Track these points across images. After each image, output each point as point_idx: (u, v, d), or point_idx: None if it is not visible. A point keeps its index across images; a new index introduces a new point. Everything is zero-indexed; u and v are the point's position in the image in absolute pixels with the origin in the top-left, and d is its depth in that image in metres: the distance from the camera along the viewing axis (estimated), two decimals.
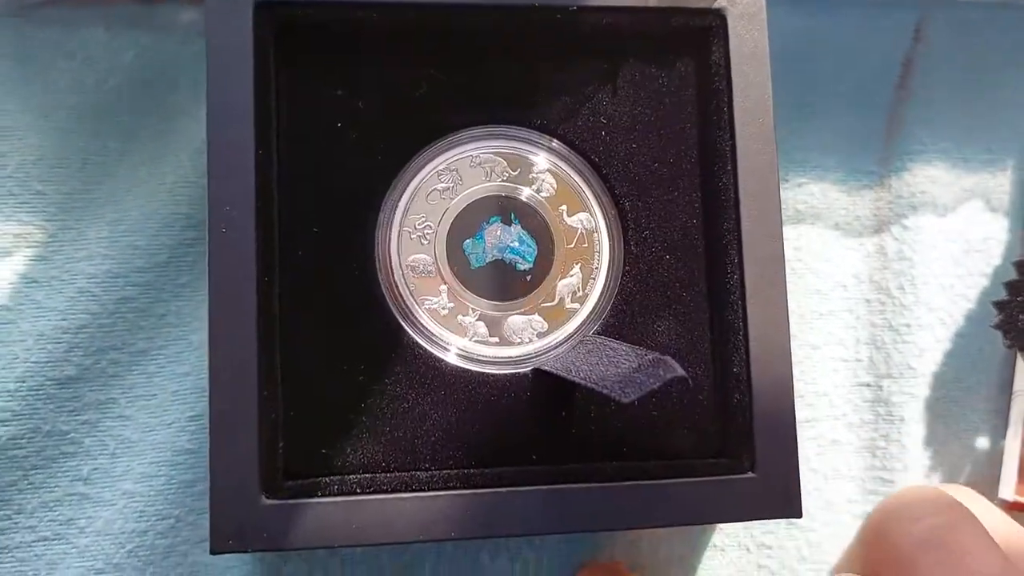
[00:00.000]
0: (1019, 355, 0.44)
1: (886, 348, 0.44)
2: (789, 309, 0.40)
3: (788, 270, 0.43)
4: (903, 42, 0.46)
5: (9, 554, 0.38)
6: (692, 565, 0.42)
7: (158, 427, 0.39)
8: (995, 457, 0.44)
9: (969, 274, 0.45)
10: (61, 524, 0.39)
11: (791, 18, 0.45)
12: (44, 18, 0.41)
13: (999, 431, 0.44)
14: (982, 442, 0.45)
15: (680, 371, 0.31)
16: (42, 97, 0.41)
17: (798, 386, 0.43)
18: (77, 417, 0.39)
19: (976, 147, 0.46)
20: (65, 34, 0.41)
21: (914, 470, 0.44)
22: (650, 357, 0.32)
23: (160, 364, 0.40)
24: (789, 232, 0.44)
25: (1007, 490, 0.43)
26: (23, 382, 0.39)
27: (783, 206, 0.43)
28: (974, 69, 0.46)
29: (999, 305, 0.43)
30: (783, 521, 0.42)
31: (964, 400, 0.45)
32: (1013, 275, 0.43)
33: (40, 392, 0.39)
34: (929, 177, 0.45)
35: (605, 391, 0.32)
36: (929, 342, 0.45)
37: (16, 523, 0.38)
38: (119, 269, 0.40)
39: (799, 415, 0.42)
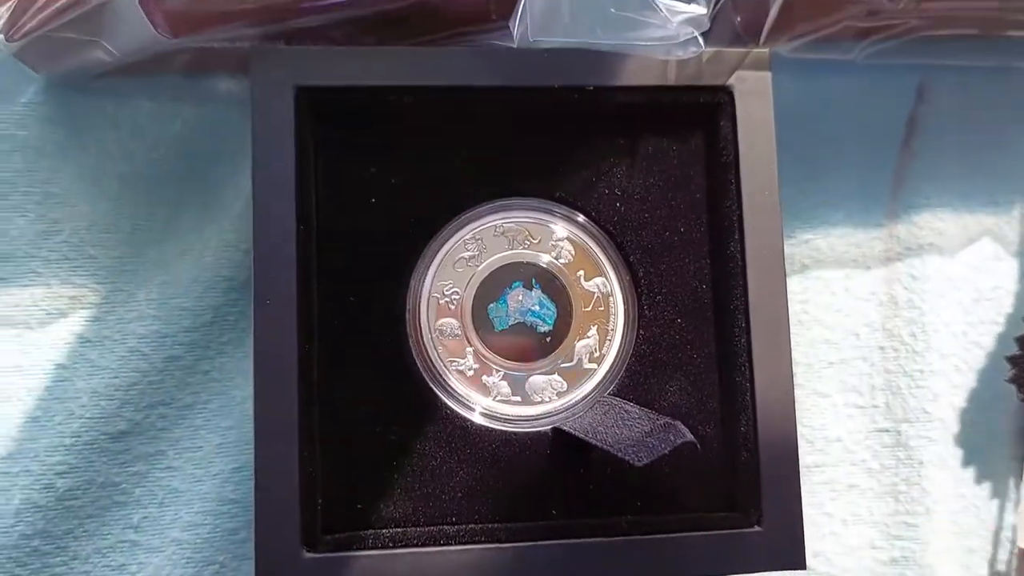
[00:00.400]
0: None
1: (902, 393, 0.46)
2: (795, 360, 0.42)
3: (794, 322, 0.45)
4: (906, 103, 0.48)
5: None
6: None
7: (204, 478, 0.42)
8: (1017, 500, 0.46)
9: (981, 322, 0.47)
10: (114, 570, 0.41)
11: (800, 82, 0.47)
12: (96, 89, 0.43)
13: (1017, 472, 0.46)
14: (1002, 487, 0.46)
15: (689, 436, 0.34)
16: (94, 165, 0.43)
17: (805, 432, 0.45)
18: (128, 469, 0.41)
19: (981, 199, 0.48)
20: (115, 105, 0.43)
21: (937, 515, 0.45)
22: (662, 422, 0.35)
23: (205, 418, 0.42)
24: (795, 286, 0.46)
25: (1022, 538, 0.45)
26: (78, 436, 0.41)
27: (790, 261, 0.46)
28: (976, 126, 0.48)
29: (1012, 360, 0.45)
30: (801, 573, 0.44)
31: (984, 445, 0.46)
32: None
33: (94, 446, 0.41)
34: (935, 229, 0.47)
35: (619, 454, 0.34)
36: (944, 387, 0.46)
37: (72, 568, 0.41)
38: (167, 329, 0.42)
39: (809, 460, 0.44)
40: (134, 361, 0.42)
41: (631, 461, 0.34)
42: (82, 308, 0.42)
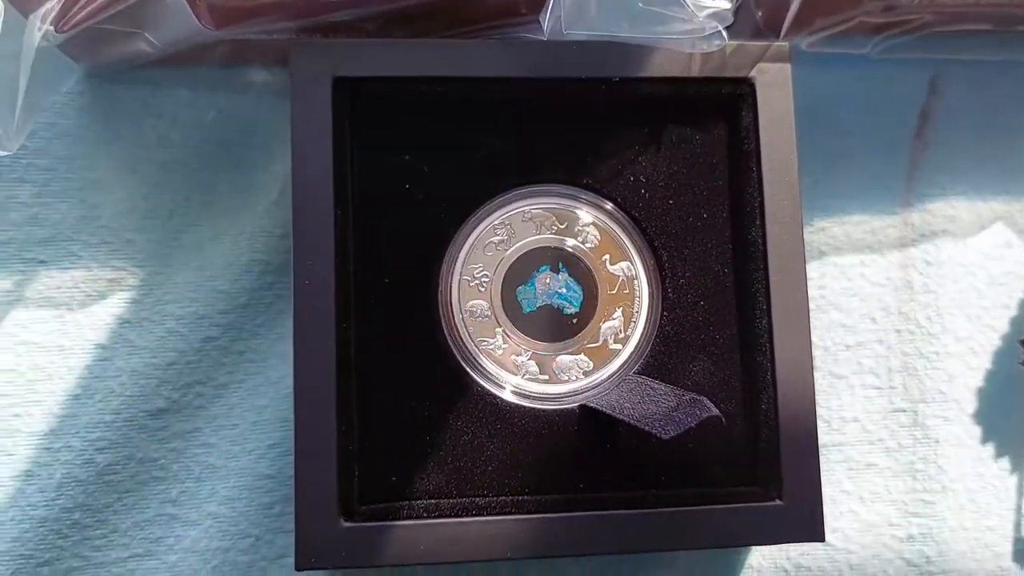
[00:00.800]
0: None
1: (918, 375, 0.47)
2: (813, 343, 0.43)
3: (812, 307, 0.46)
4: (920, 96, 0.49)
5: (105, 569, 0.42)
6: None
7: (240, 454, 0.43)
8: None
9: (994, 306, 0.48)
10: (152, 542, 0.42)
11: (817, 76, 0.48)
12: (133, 79, 0.45)
13: None
14: (1016, 463, 0.47)
15: (715, 411, 0.35)
16: (132, 153, 0.44)
17: (823, 412, 0.46)
18: (166, 445, 0.43)
19: (993, 188, 0.49)
20: (153, 95, 0.45)
21: (954, 493, 0.46)
22: (688, 397, 0.36)
23: (241, 397, 0.44)
24: (812, 272, 0.47)
25: None
26: (118, 414, 0.42)
27: (807, 248, 0.47)
28: (987, 118, 0.50)
29: None
30: (819, 544, 0.45)
31: (1000, 424, 0.47)
32: None
33: (133, 423, 0.42)
34: (948, 217, 0.49)
35: (647, 428, 0.36)
36: (959, 369, 0.47)
37: (111, 541, 0.42)
38: (204, 311, 0.44)
39: (827, 440, 0.46)
40: (172, 341, 0.43)
41: (659, 434, 0.35)
42: (121, 290, 0.44)
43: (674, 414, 0.35)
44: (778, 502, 0.39)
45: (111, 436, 0.42)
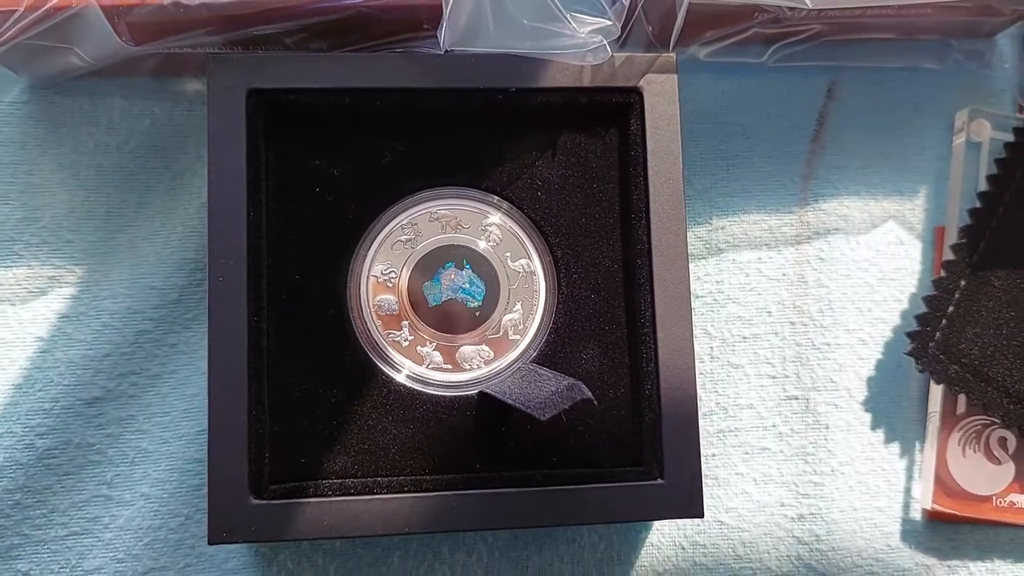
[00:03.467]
0: (931, 380, 0.49)
1: (810, 364, 0.50)
2: (711, 335, 0.47)
3: (710, 301, 0.49)
4: (817, 100, 0.52)
5: (45, 547, 0.44)
6: (630, 561, 0.47)
7: (171, 440, 0.46)
8: (920, 463, 0.49)
9: (884, 300, 0.51)
10: (88, 521, 0.45)
11: (717, 82, 0.51)
12: (73, 89, 0.48)
13: (920, 436, 0.50)
14: (905, 448, 0.50)
15: (588, 394, 0.38)
16: (72, 158, 0.47)
17: (720, 400, 0.49)
18: (102, 431, 0.45)
19: (886, 188, 0.52)
20: (91, 103, 0.48)
21: (843, 475, 0.49)
22: (566, 382, 0.39)
23: (172, 386, 0.46)
24: (711, 268, 0.50)
25: (926, 499, 0.49)
26: (57, 402, 0.45)
27: (706, 245, 0.50)
28: (882, 121, 0.52)
29: (912, 335, 0.48)
30: (714, 521, 0.48)
31: (887, 410, 0.50)
32: (924, 308, 0.49)
33: (71, 411, 0.45)
34: (842, 216, 0.51)
35: (528, 410, 0.39)
36: (850, 359, 0.50)
37: (51, 520, 0.45)
38: (137, 306, 0.46)
39: (723, 426, 0.49)
40: (107, 335, 0.46)
41: (537, 416, 0.38)
42: (60, 287, 0.46)
43: (552, 398, 0.38)
44: (659, 481, 0.42)
45: (50, 423, 0.45)
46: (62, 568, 0.44)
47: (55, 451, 0.45)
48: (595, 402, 0.39)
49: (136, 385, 0.46)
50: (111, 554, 0.45)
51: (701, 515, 0.42)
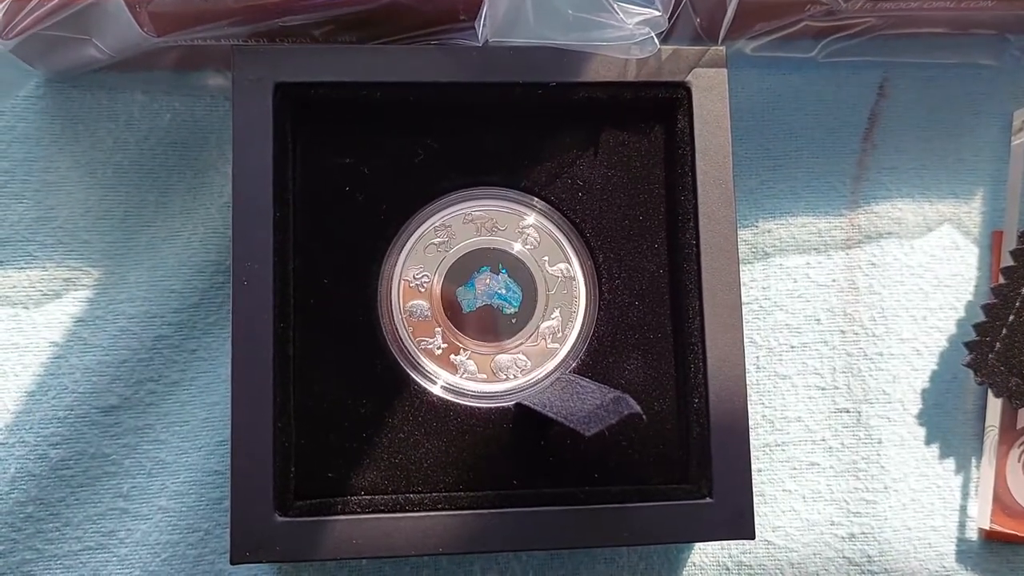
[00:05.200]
0: (990, 392, 0.47)
1: (862, 375, 0.48)
2: (757, 343, 0.45)
3: (756, 308, 0.47)
4: (868, 98, 0.50)
5: (58, 562, 0.43)
6: None
7: (190, 450, 0.44)
8: (977, 480, 0.47)
9: (940, 307, 0.49)
10: (104, 535, 0.43)
11: (764, 78, 0.49)
12: (91, 83, 0.46)
13: (978, 452, 0.48)
14: (961, 464, 0.48)
15: (636, 408, 0.36)
16: (88, 155, 0.46)
17: (767, 412, 0.47)
18: (118, 441, 0.44)
19: (940, 190, 0.50)
20: (109, 98, 0.46)
21: (896, 492, 0.47)
22: (612, 395, 0.37)
23: (192, 394, 0.45)
24: (757, 273, 0.48)
25: (983, 519, 0.46)
26: (71, 410, 0.44)
27: (752, 249, 0.48)
28: (935, 120, 0.50)
29: (969, 345, 0.46)
30: (760, 541, 0.46)
31: (942, 424, 0.48)
32: (982, 317, 0.46)
33: (86, 419, 0.44)
34: (895, 219, 0.49)
35: (571, 425, 0.36)
36: (904, 370, 0.48)
37: (64, 534, 0.43)
38: (156, 310, 0.45)
39: (770, 439, 0.46)
40: (124, 340, 0.44)
41: (581, 431, 0.36)
42: (76, 290, 0.45)
43: (597, 411, 0.36)
44: (708, 500, 0.40)
45: (64, 432, 0.43)
46: None
47: (69, 461, 0.43)
48: (643, 416, 0.36)
49: (154, 393, 0.44)
50: (127, 570, 0.43)
51: (752, 536, 0.40)
